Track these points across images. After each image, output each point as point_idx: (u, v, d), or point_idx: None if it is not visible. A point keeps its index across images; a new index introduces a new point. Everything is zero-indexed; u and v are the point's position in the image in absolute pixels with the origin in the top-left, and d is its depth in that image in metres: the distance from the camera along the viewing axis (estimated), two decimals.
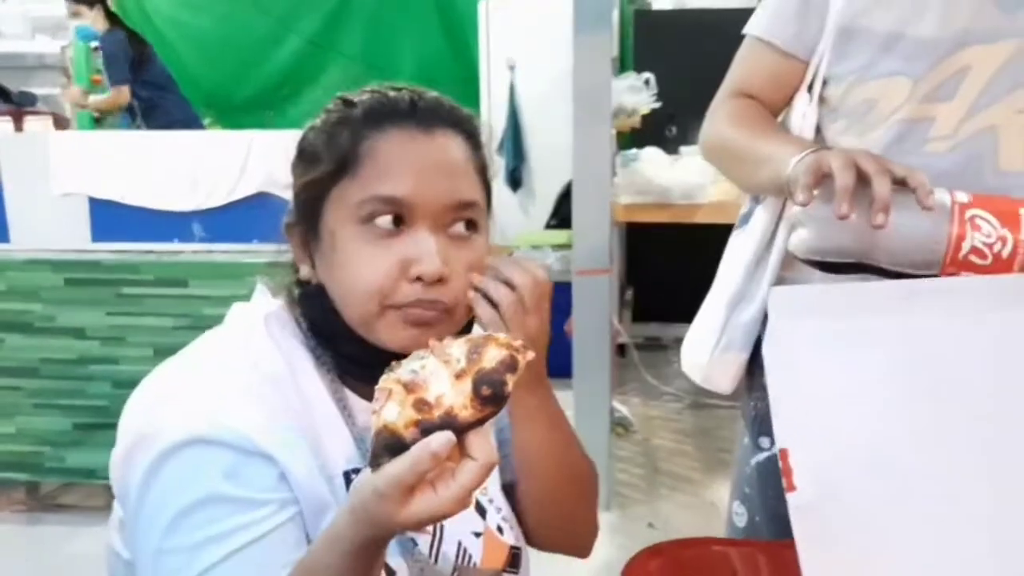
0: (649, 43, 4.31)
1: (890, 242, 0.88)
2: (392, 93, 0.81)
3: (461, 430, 0.59)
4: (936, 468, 0.75)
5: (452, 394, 0.60)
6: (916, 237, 0.88)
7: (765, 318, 0.91)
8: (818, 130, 1.15)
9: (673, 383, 3.70)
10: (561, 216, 4.31)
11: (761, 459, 1.21)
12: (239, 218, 2.65)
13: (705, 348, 1.23)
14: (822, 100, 1.13)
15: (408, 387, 0.60)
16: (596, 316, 2.75)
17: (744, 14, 1.22)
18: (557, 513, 0.92)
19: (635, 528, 2.66)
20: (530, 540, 0.94)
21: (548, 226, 4.63)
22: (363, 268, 0.75)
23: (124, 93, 4.79)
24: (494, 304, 0.78)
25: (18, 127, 4.47)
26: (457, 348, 0.62)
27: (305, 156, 0.81)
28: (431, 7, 5.40)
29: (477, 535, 0.85)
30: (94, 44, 4.66)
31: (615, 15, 3.79)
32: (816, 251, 0.94)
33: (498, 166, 5.01)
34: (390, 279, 0.75)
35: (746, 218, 1.22)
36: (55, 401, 2.62)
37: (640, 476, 3.06)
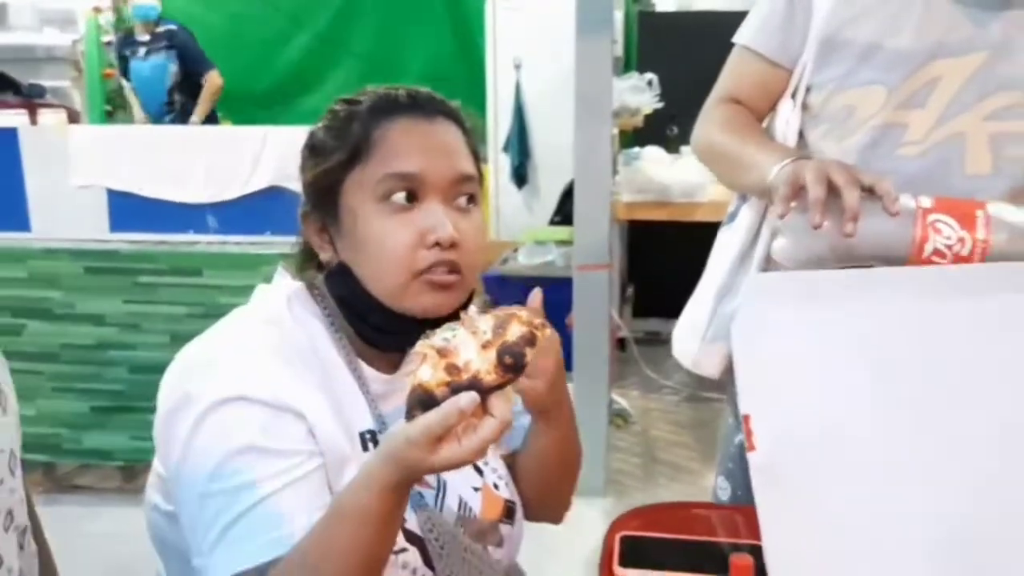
0: (653, 44, 4.36)
1: (861, 246, 0.97)
2: (391, 90, 0.92)
3: (485, 392, 0.69)
4: (892, 437, 0.82)
5: (478, 361, 0.69)
6: (884, 241, 0.97)
7: None
8: (801, 134, 1.22)
9: (672, 376, 3.75)
10: (565, 213, 4.35)
11: (744, 438, 1.29)
12: (252, 210, 2.70)
13: (695, 337, 1.31)
14: (804, 106, 1.21)
15: (441, 352, 0.70)
16: (596, 310, 2.80)
17: (744, 17, 1.28)
18: (548, 492, 1.04)
19: None
20: None
21: (552, 222, 4.67)
22: (387, 239, 0.85)
23: (217, 76, 4.94)
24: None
25: (32, 120, 4.53)
26: (484, 322, 0.71)
27: (316, 150, 0.92)
28: (439, 6, 5.45)
29: (476, 490, 0.96)
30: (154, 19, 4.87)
31: (619, 17, 3.84)
32: (794, 259, 1.03)
33: (503, 164, 5.08)
34: (411, 248, 0.85)
35: (733, 216, 1.30)
36: (74, 385, 2.68)
37: (638, 465, 3.13)
